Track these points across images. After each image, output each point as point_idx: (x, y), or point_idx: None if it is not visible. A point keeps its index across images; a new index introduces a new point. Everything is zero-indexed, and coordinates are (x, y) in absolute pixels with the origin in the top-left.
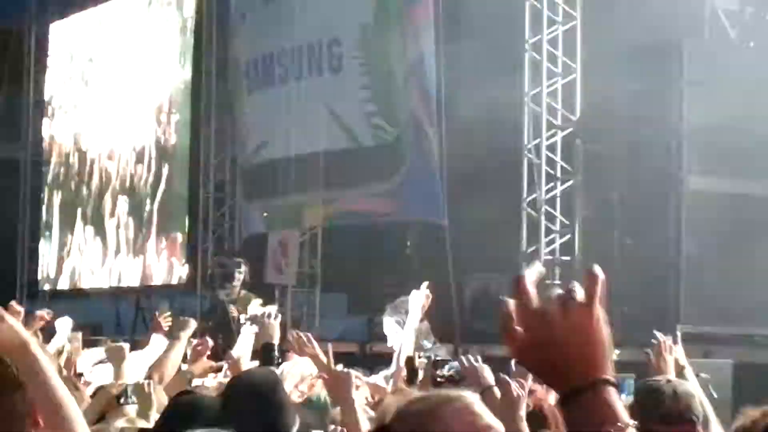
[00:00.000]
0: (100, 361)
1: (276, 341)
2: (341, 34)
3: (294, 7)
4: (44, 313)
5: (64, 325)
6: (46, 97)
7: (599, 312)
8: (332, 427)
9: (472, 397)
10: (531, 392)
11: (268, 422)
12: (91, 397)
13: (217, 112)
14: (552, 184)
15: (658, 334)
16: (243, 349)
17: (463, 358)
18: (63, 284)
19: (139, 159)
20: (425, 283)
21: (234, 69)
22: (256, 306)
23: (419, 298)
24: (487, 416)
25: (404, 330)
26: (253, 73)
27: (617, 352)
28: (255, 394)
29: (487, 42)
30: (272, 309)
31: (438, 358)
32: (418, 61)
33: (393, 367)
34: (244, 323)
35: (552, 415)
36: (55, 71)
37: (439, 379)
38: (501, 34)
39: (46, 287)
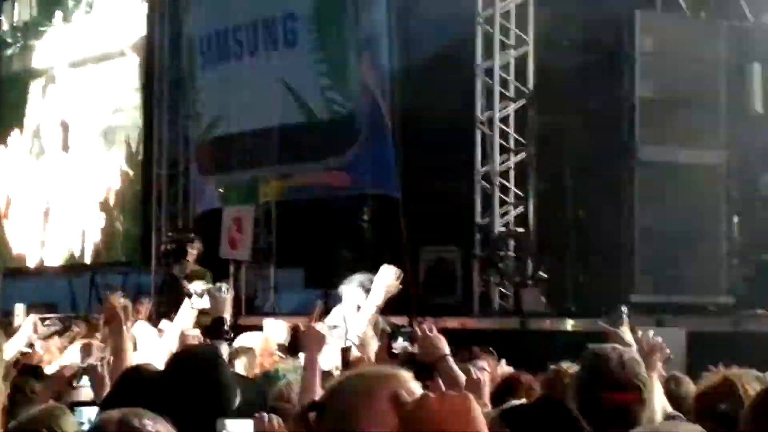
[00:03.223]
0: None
1: (227, 316)
2: (296, 8)
3: None
4: None
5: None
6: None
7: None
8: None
9: (407, 374)
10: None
11: (207, 399)
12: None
13: (170, 88)
14: (506, 156)
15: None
16: (180, 323)
17: (417, 328)
18: (16, 263)
19: (91, 137)
20: (393, 268)
21: (187, 45)
22: (199, 283)
23: (386, 279)
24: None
25: (360, 310)
26: (207, 48)
27: (572, 322)
28: (195, 371)
29: (439, 15)
30: (224, 283)
31: (392, 330)
32: (370, 35)
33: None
34: (195, 296)
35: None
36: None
37: (394, 351)
38: (453, 6)
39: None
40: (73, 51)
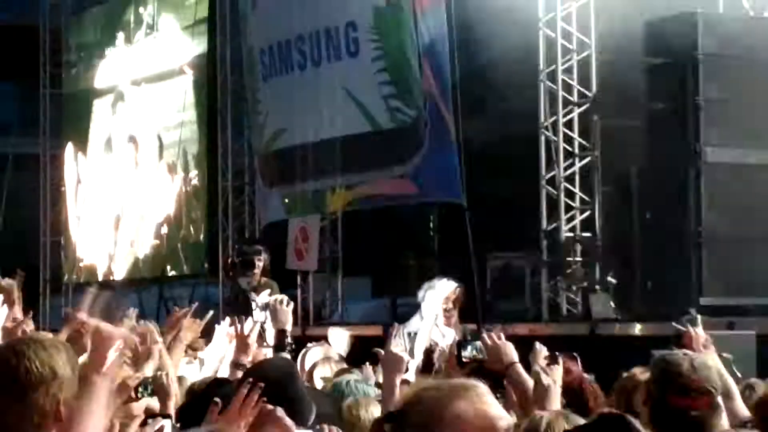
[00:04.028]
0: None
1: (289, 327)
2: (357, 17)
3: None
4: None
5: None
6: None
7: None
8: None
9: (484, 387)
10: (567, 371)
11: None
12: None
13: (233, 100)
14: (570, 160)
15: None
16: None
17: (485, 336)
18: (86, 277)
19: (157, 152)
20: (454, 283)
21: (248, 56)
22: (265, 294)
23: (446, 291)
24: (498, 407)
25: (423, 320)
26: (269, 59)
27: (641, 327)
28: (270, 385)
29: (499, 21)
30: (283, 296)
31: (461, 339)
32: (431, 42)
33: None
34: (258, 309)
35: (590, 391)
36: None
37: (464, 359)
38: (513, 12)
39: (69, 280)
40: (135, 70)
